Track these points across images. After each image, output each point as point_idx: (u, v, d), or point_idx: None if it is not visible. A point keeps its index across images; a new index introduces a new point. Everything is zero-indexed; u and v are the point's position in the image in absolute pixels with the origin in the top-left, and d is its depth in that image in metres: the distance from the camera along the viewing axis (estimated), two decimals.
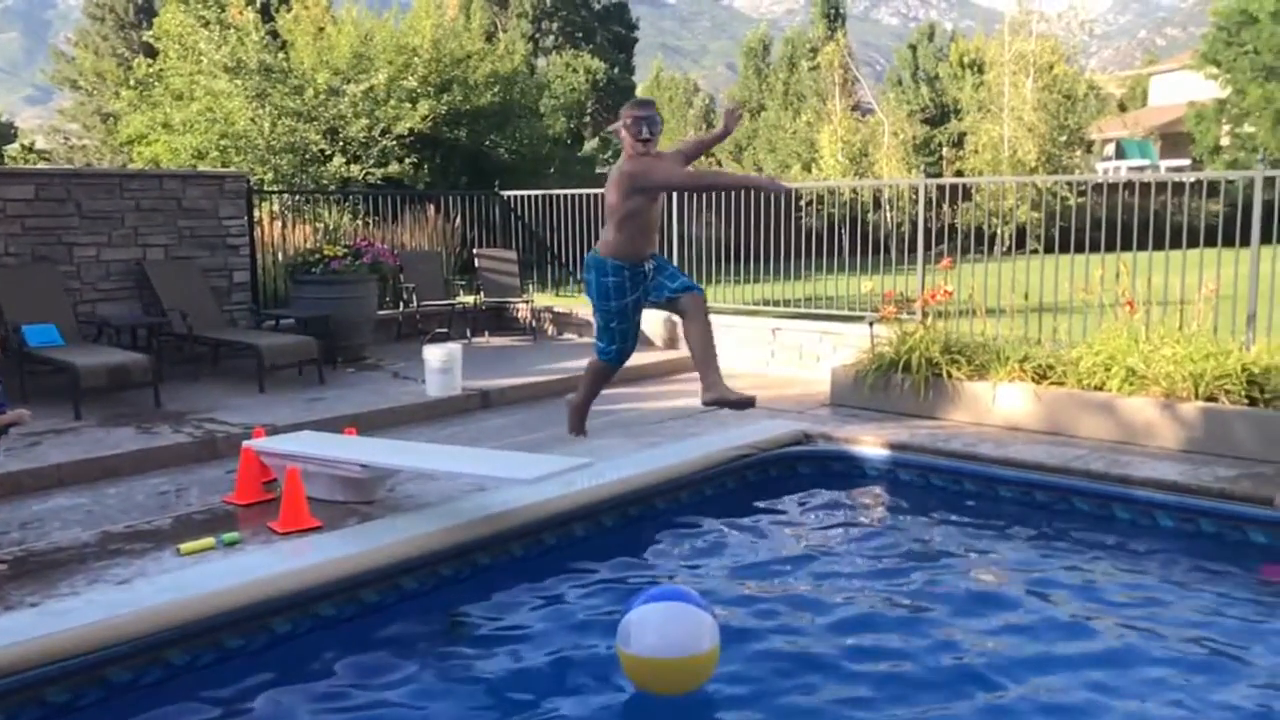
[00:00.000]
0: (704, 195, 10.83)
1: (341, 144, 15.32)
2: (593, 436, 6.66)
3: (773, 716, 3.45)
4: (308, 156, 15.11)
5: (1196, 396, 6.13)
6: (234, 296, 9.33)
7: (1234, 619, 4.19)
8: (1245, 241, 6.91)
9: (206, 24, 15.78)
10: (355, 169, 15.10)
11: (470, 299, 11.01)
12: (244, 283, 9.46)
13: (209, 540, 4.57)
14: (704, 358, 5.00)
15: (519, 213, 12.53)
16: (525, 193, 12.48)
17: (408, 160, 15.38)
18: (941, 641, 4.01)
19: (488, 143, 17.23)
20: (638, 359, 9.34)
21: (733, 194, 10.14)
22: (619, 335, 5.09)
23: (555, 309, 11.28)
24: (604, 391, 8.29)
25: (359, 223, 12.34)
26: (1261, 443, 5.81)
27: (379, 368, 8.96)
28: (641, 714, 3.52)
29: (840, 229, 10.41)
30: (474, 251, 11.54)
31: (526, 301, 11.12)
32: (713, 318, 10.07)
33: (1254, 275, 6.82)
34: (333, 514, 4.96)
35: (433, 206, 12.59)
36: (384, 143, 15.30)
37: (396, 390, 7.92)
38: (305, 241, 11.13)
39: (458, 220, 12.58)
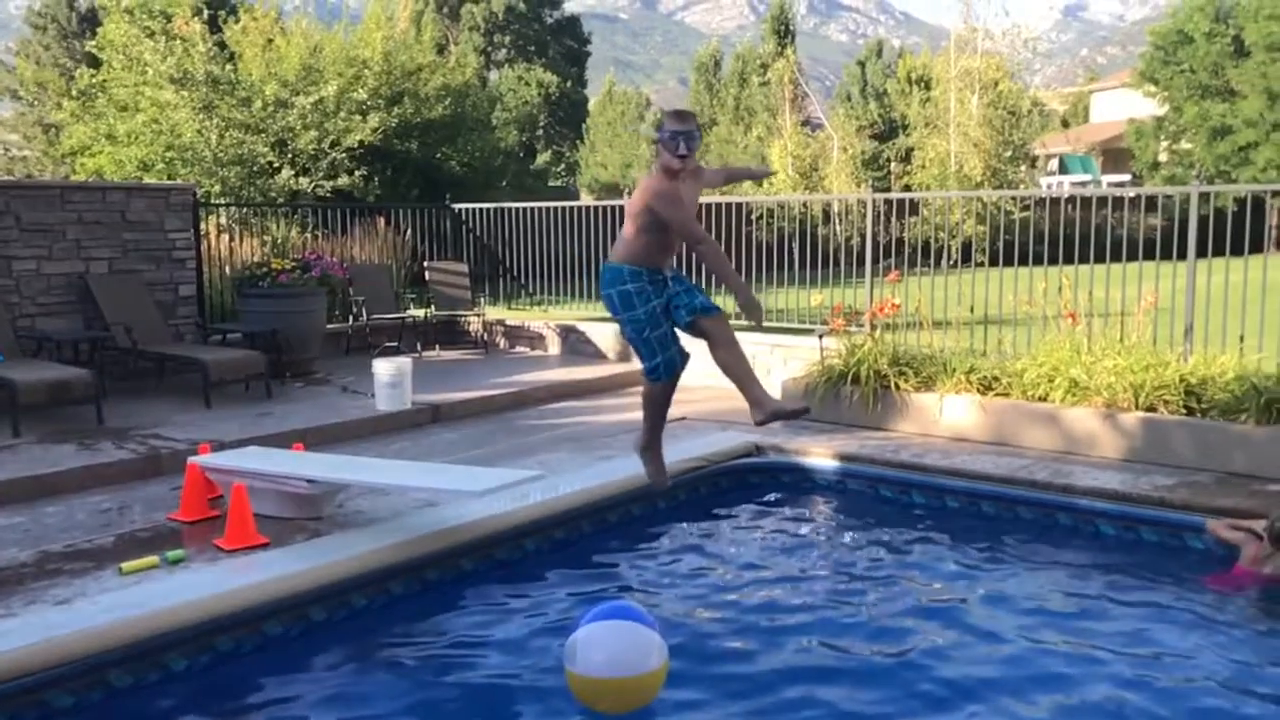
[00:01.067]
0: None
1: (290, 156, 15.16)
2: (544, 449, 6.67)
3: None
4: (256, 169, 14.93)
5: (1136, 407, 6.27)
6: (180, 311, 9.18)
7: (1171, 626, 4.28)
8: (1183, 255, 7.08)
9: (151, 34, 15.56)
10: (304, 181, 14.95)
11: (421, 312, 10.94)
12: (190, 297, 9.32)
13: (152, 559, 4.49)
14: (743, 379, 4.73)
15: (470, 225, 12.49)
16: (476, 205, 12.44)
17: (357, 173, 15.26)
18: (890, 651, 4.05)
19: (439, 155, 17.15)
20: (591, 372, 9.40)
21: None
22: (658, 345, 4.64)
23: (507, 322, 11.24)
24: (555, 405, 8.38)
25: (308, 236, 12.22)
26: (1198, 452, 5.95)
27: (328, 382, 8.87)
28: None
29: (791, 242, 10.50)
30: (424, 264, 11.48)
31: (478, 314, 11.07)
32: None
33: (1190, 288, 7.00)
34: (280, 530, 4.90)
35: (383, 219, 12.51)
36: (333, 155, 15.16)
37: (345, 405, 7.85)
38: (253, 255, 11.00)
39: (408, 233, 12.51)
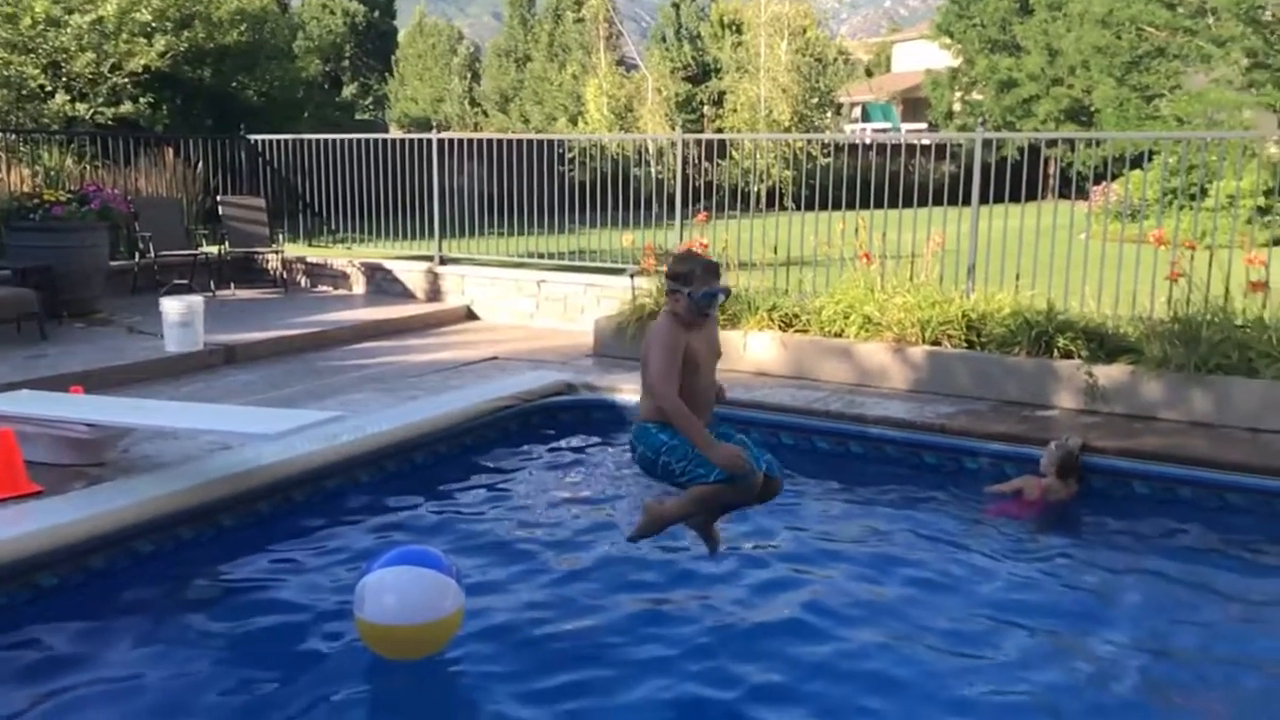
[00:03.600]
0: (471, 146, 10.67)
1: (65, 80, 13.97)
2: (348, 390, 6.49)
3: (516, 674, 3.43)
4: (25, 92, 13.69)
5: (923, 341, 6.64)
6: None
7: (954, 546, 4.59)
8: (969, 201, 7.50)
9: None
10: (82, 108, 13.84)
11: (214, 249, 10.36)
12: None
13: None
14: (698, 514, 3.92)
15: (268, 158, 11.87)
16: (274, 137, 11.82)
17: (143, 100, 14.25)
18: (692, 583, 4.15)
19: (234, 84, 16.19)
20: (398, 311, 9.17)
21: (501, 147, 10.05)
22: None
23: (309, 260, 10.80)
24: (359, 345, 8.14)
25: (85, 166, 11.32)
26: (977, 382, 6.37)
27: (111, 322, 8.29)
28: (381, 677, 3.42)
29: (605, 183, 10.51)
30: (218, 198, 10.85)
31: (276, 252, 10.58)
32: (478, 270, 9.98)
33: (974, 230, 7.43)
34: (57, 478, 4.57)
35: (171, 150, 11.71)
36: (115, 80, 14.08)
37: (132, 346, 7.37)
38: (22, 185, 10.11)
39: (199, 165, 11.77)
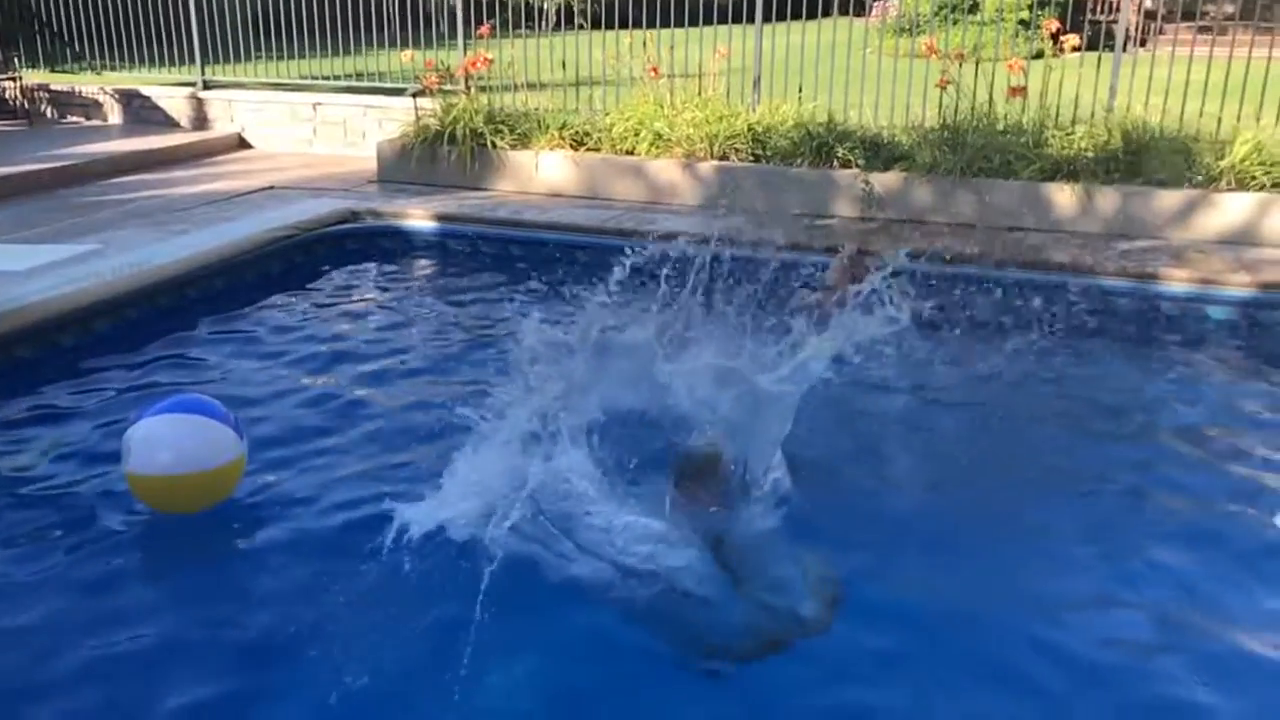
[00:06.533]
0: None
1: None
2: (108, 227, 6.02)
3: (299, 517, 3.25)
4: None
5: (712, 156, 6.72)
6: None
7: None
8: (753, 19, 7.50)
9: None
10: None
11: None
12: None
13: None
14: None
15: None
16: None
17: None
18: (484, 403, 4.13)
19: None
20: (161, 141, 8.49)
21: None
22: None
23: (52, 88, 9.74)
24: (119, 179, 7.53)
25: None
26: (763, 194, 6.53)
27: None
28: (161, 536, 3.21)
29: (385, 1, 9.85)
30: None
31: (13, 79, 9.48)
32: (247, 94, 9.31)
33: (758, 44, 7.45)
34: None
35: None
36: None
37: None
38: None
39: None
